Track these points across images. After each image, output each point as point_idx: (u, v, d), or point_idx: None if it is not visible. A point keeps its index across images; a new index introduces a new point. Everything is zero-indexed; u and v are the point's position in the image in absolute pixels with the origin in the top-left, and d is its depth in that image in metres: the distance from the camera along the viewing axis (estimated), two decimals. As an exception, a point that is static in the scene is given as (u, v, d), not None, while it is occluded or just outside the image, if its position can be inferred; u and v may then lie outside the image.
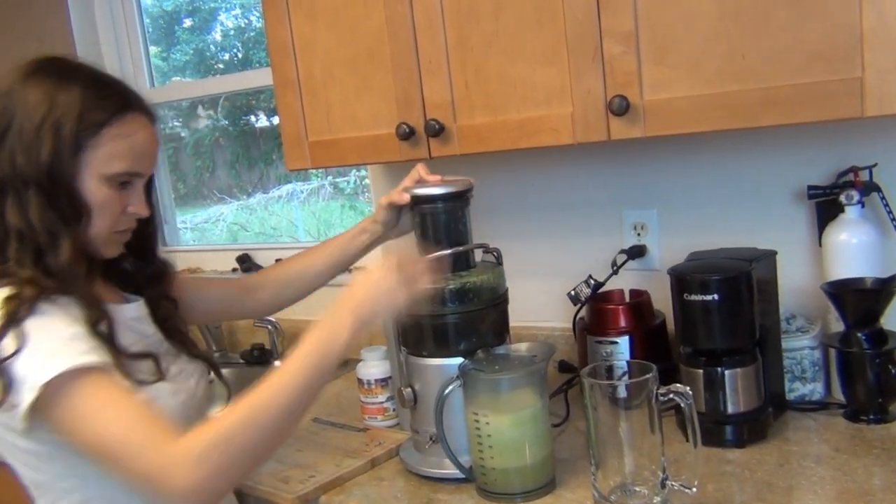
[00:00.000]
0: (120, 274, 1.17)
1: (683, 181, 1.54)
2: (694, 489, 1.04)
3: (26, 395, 0.91)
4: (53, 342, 0.94)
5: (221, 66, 2.52)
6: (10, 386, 0.92)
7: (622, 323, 1.44)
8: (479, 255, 1.31)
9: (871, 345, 1.24)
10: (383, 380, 1.50)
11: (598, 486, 1.08)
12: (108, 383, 0.94)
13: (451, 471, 1.21)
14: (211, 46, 2.52)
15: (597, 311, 1.48)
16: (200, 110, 2.58)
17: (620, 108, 1.18)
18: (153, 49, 2.48)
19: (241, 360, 2.12)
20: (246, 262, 2.17)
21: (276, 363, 2.05)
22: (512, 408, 1.15)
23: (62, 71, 1.04)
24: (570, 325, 1.55)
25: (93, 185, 1.02)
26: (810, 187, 1.36)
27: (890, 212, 1.32)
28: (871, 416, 1.25)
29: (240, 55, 2.47)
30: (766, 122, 1.12)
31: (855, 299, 1.25)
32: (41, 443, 0.99)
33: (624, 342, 1.42)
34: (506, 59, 1.30)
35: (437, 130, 1.37)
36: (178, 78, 2.54)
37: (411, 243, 1.28)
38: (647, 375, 1.03)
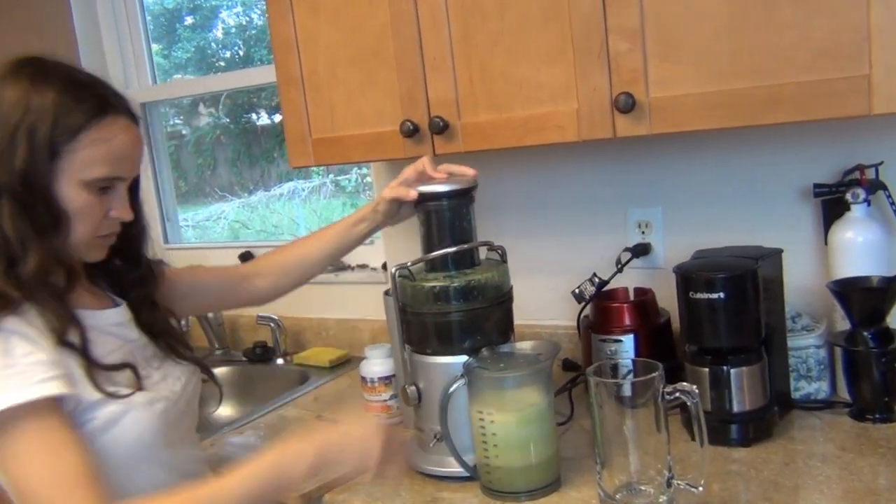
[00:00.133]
0: (109, 276, 1.15)
1: (688, 179, 1.53)
2: (700, 488, 1.04)
3: None
4: (5, 371, 0.91)
5: (223, 63, 2.52)
6: None
7: (627, 321, 1.44)
8: (483, 253, 1.31)
9: (877, 343, 1.23)
10: (387, 378, 1.49)
11: (603, 485, 1.07)
12: (53, 426, 0.92)
13: (456, 469, 1.21)
14: (212, 44, 2.52)
15: (601, 309, 1.48)
16: (202, 108, 2.58)
17: (626, 105, 1.18)
18: (154, 47, 2.48)
19: (244, 358, 2.11)
20: (248, 260, 2.17)
21: (279, 361, 2.06)
22: (517, 406, 1.15)
23: (37, 73, 1.00)
24: (575, 324, 1.55)
25: (71, 191, 0.99)
26: (816, 185, 1.36)
27: (896, 210, 1.32)
28: (877, 416, 1.24)
29: (241, 53, 2.47)
30: (772, 120, 1.12)
31: (861, 298, 1.25)
32: None
33: (628, 340, 1.42)
34: (511, 56, 1.30)
35: (441, 128, 1.37)
36: (180, 76, 2.54)
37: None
38: (654, 374, 1.03)
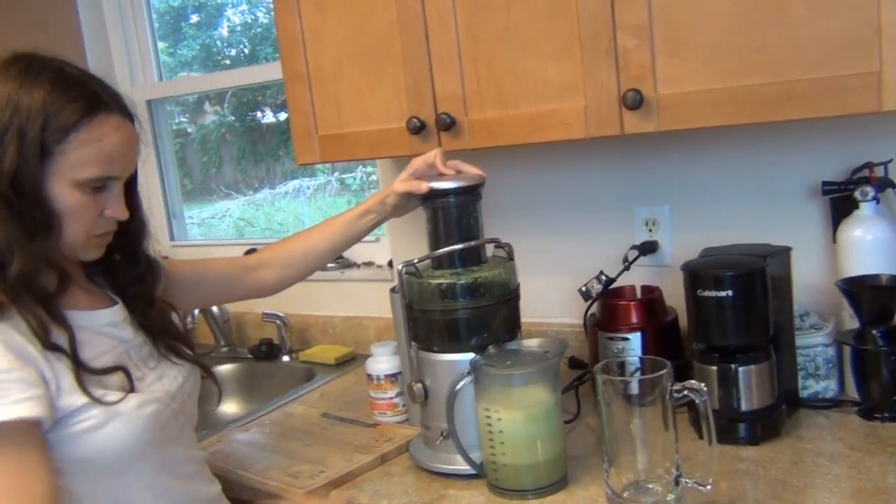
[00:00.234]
0: (108, 274, 1.14)
1: (695, 176, 1.53)
2: (708, 487, 1.03)
3: None
4: None
5: (228, 62, 2.52)
6: None
7: (634, 319, 1.43)
8: (490, 250, 1.30)
9: (886, 342, 1.23)
10: (393, 375, 1.49)
11: (611, 484, 1.07)
12: (21, 453, 0.90)
13: (462, 467, 1.21)
14: (217, 42, 2.52)
15: (608, 307, 1.47)
16: (207, 106, 2.58)
17: (634, 101, 1.17)
18: (160, 45, 2.48)
19: (250, 355, 2.11)
20: (253, 258, 2.17)
21: (285, 358, 2.06)
22: (524, 404, 1.15)
23: (27, 71, 0.97)
24: (581, 322, 1.55)
25: (63, 192, 0.98)
26: (825, 183, 1.35)
27: (905, 208, 1.31)
28: (886, 414, 1.23)
29: (246, 51, 2.47)
30: (781, 117, 1.11)
31: (870, 296, 1.24)
32: None
33: (636, 338, 1.41)
34: (518, 53, 1.29)
35: (448, 124, 1.36)
36: (185, 73, 2.54)
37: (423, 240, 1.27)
38: (662, 371, 1.02)
